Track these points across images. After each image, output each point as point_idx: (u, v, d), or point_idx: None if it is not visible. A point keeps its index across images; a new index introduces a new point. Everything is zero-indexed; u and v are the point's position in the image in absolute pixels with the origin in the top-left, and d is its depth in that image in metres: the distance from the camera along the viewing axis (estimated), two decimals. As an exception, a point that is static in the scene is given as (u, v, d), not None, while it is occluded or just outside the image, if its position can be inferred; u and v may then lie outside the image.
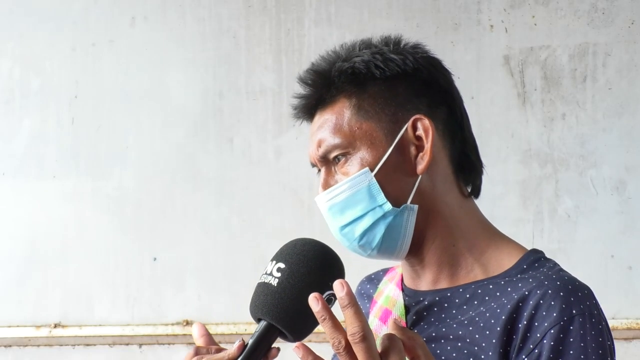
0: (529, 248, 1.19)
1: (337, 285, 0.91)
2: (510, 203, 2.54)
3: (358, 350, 0.90)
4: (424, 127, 1.15)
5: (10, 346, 2.70)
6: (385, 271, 1.35)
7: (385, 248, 1.16)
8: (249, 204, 2.65)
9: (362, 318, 0.90)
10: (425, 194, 1.16)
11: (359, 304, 0.91)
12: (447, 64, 1.23)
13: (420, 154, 1.15)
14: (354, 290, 1.36)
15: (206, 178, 2.67)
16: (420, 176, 1.15)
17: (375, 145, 1.15)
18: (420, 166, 1.15)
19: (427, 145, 1.15)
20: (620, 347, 2.44)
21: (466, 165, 1.21)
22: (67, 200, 2.71)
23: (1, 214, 2.73)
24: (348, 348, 0.91)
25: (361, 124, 1.15)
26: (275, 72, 2.68)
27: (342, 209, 1.16)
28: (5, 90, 2.77)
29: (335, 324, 0.91)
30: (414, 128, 1.15)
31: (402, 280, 1.26)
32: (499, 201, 2.52)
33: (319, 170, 1.21)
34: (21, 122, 2.75)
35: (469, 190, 1.22)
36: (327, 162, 1.18)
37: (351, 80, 1.17)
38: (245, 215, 2.65)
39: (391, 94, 1.16)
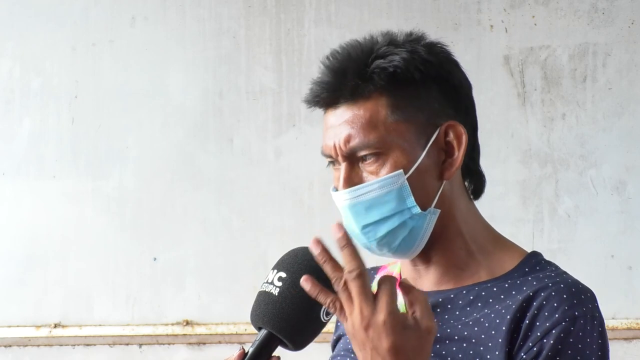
0: (529, 248, 1.20)
1: (335, 228, 0.96)
2: (510, 203, 2.54)
3: (353, 287, 0.95)
4: (457, 134, 1.14)
5: (10, 346, 2.70)
6: (376, 270, 1.33)
7: (402, 249, 1.16)
8: (249, 204, 2.65)
9: (359, 258, 0.95)
10: (445, 198, 1.16)
11: (355, 245, 0.96)
12: (447, 64, 1.23)
13: (449, 160, 1.15)
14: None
15: (206, 178, 2.67)
16: (445, 181, 1.15)
17: (409, 148, 1.13)
18: (448, 172, 1.15)
19: (460, 153, 1.14)
20: (620, 347, 2.45)
21: (473, 168, 1.21)
22: (67, 200, 2.71)
23: (1, 214, 2.73)
24: (347, 285, 0.96)
25: (397, 125, 1.13)
26: (275, 72, 2.67)
27: (368, 208, 1.13)
28: (5, 90, 2.76)
29: (336, 265, 0.96)
30: (445, 133, 1.15)
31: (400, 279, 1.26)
32: (499, 201, 2.52)
33: (335, 163, 1.17)
34: (21, 122, 2.75)
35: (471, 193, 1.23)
36: (353, 158, 1.15)
37: (390, 78, 1.12)
38: (245, 215, 2.65)
39: (426, 96, 1.14)
